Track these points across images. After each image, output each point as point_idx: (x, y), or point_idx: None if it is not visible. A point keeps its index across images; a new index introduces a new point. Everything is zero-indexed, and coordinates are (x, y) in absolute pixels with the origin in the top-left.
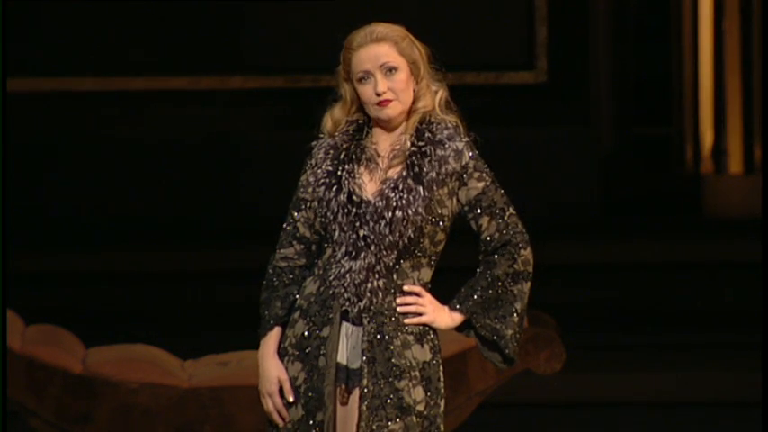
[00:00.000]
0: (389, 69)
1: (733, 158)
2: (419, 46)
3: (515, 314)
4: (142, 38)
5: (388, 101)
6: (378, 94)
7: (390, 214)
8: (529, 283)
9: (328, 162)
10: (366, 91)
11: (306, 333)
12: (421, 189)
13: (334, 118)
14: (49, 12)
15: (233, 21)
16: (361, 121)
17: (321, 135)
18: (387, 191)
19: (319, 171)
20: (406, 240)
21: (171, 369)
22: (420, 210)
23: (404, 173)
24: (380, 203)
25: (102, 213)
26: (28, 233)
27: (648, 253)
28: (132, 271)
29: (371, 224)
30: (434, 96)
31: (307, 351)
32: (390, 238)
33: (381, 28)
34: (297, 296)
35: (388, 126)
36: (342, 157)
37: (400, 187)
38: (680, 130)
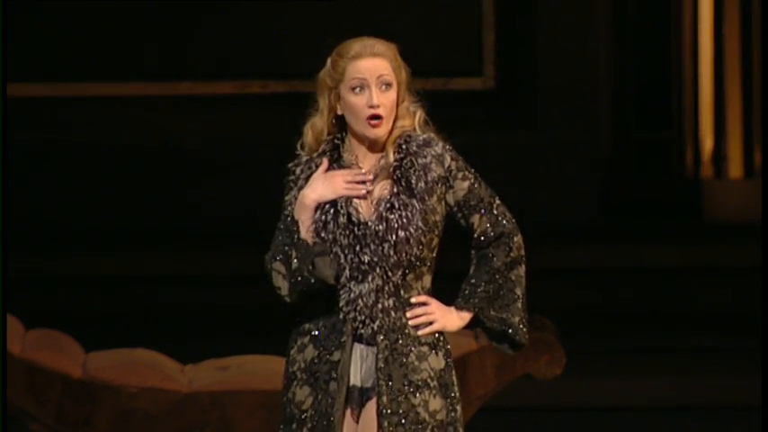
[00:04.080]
0: (385, 84)
1: (733, 163)
2: (405, 67)
3: (518, 300)
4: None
5: (381, 119)
6: (371, 107)
7: (393, 237)
8: (524, 267)
9: None
10: (358, 102)
11: (316, 358)
12: (415, 202)
13: (316, 129)
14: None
15: (185, 27)
16: (336, 141)
17: (298, 153)
18: (384, 212)
19: None
20: (410, 258)
21: (171, 373)
22: (420, 224)
23: (395, 189)
24: (381, 227)
25: (101, 217)
26: (28, 237)
27: (648, 257)
28: (132, 275)
29: (373, 247)
30: (413, 117)
31: (316, 375)
32: (395, 258)
33: (379, 44)
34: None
35: (369, 145)
36: None
37: (396, 205)
38: (680, 134)
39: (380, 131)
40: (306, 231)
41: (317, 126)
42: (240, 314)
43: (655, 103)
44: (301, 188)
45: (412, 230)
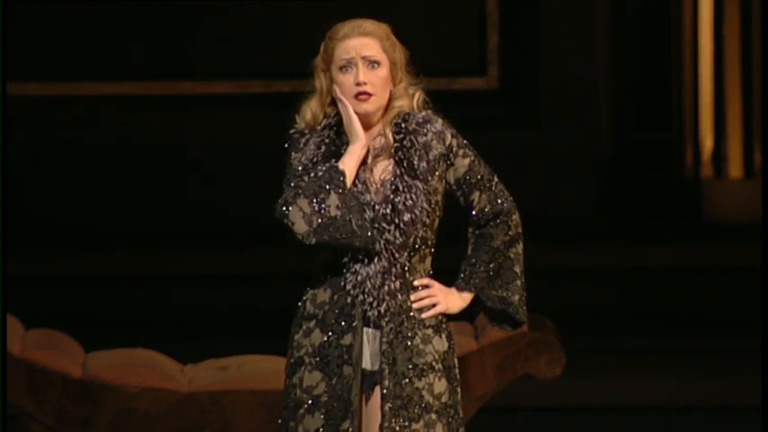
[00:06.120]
0: (372, 63)
1: (733, 163)
2: (400, 48)
3: (517, 278)
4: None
5: (368, 95)
6: (358, 84)
7: (400, 219)
8: (522, 244)
9: (324, 162)
10: (346, 80)
11: (325, 343)
12: (419, 183)
13: (313, 110)
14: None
15: (188, 26)
16: (337, 116)
17: (296, 125)
18: (389, 195)
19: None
20: (416, 240)
21: (171, 373)
22: (424, 205)
23: (397, 171)
24: (387, 210)
25: (102, 217)
26: (28, 237)
27: (648, 257)
28: (132, 275)
29: (382, 225)
30: (412, 98)
31: (327, 360)
32: (401, 240)
33: (368, 24)
34: None
35: (364, 121)
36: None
37: (400, 188)
38: (680, 134)
39: (368, 107)
40: (351, 182)
41: (313, 107)
42: (240, 314)
43: (655, 103)
44: (313, 155)
45: (417, 212)
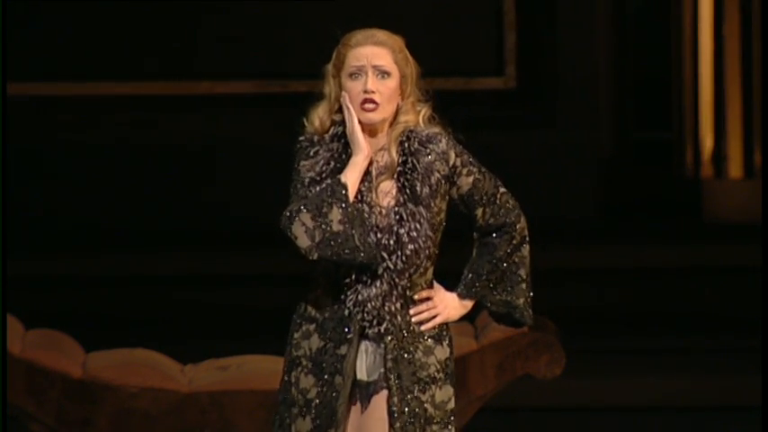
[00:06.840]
0: (382, 73)
1: (733, 163)
2: (412, 62)
3: (522, 281)
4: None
5: (375, 104)
6: (365, 91)
7: (402, 252)
8: (527, 246)
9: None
10: (355, 87)
11: (322, 349)
12: (422, 209)
13: (321, 116)
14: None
15: (206, 26)
16: (345, 125)
17: (305, 130)
18: (393, 224)
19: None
20: (417, 264)
21: (171, 373)
22: (429, 233)
23: (400, 198)
24: (391, 241)
25: (102, 217)
26: (28, 237)
27: (648, 257)
28: (132, 275)
29: (384, 255)
30: (418, 114)
31: (322, 366)
32: (402, 266)
33: (382, 34)
34: None
35: (367, 130)
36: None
37: (404, 216)
38: (680, 134)
39: (373, 116)
40: (354, 194)
41: (320, 113)
42: (240, 314)
43: (655, 103)
44: (321, 170)
45: (421, 243)
